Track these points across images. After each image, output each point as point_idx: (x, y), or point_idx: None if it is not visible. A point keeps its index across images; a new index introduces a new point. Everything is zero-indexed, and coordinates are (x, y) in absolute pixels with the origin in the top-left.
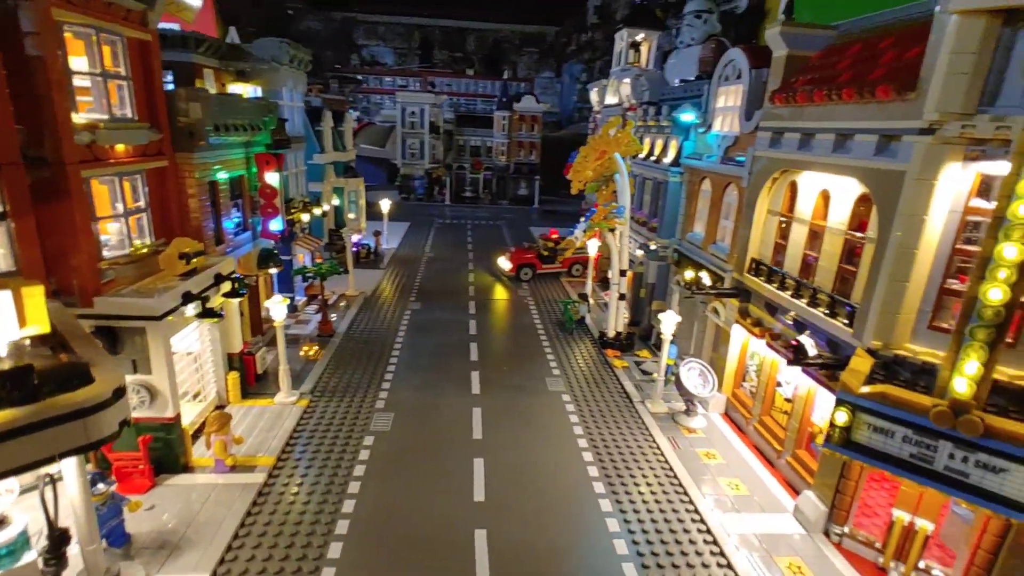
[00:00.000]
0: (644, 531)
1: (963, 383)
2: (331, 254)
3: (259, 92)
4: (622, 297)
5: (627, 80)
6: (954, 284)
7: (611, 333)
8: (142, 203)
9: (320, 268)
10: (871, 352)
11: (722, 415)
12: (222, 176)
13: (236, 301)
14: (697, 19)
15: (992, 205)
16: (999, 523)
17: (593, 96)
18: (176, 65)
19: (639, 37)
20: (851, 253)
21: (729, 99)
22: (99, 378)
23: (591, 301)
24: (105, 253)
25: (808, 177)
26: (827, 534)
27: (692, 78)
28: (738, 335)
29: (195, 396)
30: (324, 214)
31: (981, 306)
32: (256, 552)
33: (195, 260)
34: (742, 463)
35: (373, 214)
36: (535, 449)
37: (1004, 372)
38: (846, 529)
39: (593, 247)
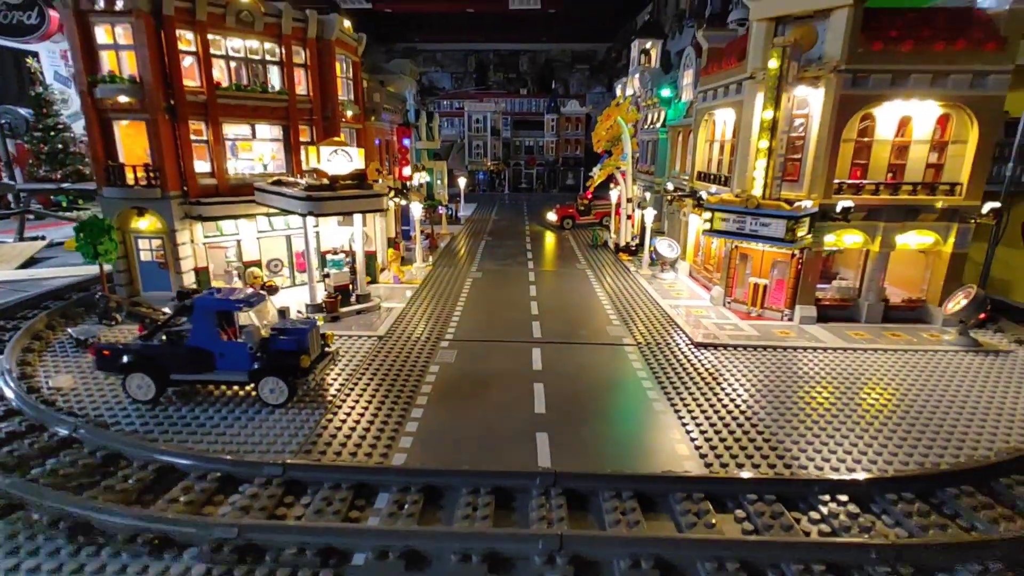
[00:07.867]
0: (633, 321)
1: (758, 188)
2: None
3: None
4: (629, 218)
5: (637, 76)
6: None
7: (622, 243)
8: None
9: (434, 200)
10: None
11: (688, 275)
12: (384, 139)
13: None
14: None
15: None
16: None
17: (618, 90)
18: None
19: (647, 45)
20: (726, 152)
21: (687, 79)
22: (375, 187)
23: (611, 232)
24: None
25: (719, 113)
26: (724, 305)
27: None
28: (693, 222)
29: None
30: (423, 183)
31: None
32: (417, 313)
33: (380, 175)
34: (689, 288)
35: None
36: (571, 295)
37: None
38: (731, 298)
39: (614, 195)
